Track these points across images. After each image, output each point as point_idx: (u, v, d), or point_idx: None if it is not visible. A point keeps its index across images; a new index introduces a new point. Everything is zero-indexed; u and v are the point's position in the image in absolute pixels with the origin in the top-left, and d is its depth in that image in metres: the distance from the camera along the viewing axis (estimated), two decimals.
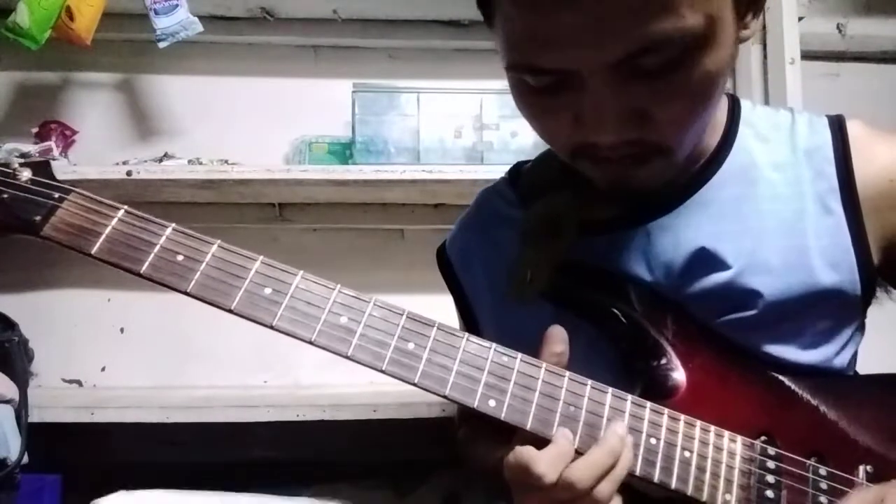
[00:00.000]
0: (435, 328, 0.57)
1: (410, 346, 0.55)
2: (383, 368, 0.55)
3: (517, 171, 0.78)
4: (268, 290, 0.56)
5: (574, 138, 0.57)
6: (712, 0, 0.49)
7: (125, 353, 1.50)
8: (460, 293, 0.77)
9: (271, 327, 0.55)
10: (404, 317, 0.56)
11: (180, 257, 0.56)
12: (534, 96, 0.56)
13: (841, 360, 0.65)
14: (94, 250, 0.55)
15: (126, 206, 0.57)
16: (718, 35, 0.50)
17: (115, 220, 0.56)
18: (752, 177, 0.65)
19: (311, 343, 0.55)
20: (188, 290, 0.55)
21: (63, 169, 1.33)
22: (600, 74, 0.50)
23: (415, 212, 1.55)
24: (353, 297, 0.57)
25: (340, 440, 1.38)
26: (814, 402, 0.61)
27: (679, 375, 0.60)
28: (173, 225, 0.57)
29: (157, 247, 0.56)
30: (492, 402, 0.55)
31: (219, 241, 0.57)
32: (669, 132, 0.55)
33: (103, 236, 0.56)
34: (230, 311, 0.55)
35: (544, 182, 0.71)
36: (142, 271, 0.55)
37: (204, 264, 0.56)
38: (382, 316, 0.56)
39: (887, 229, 0.64)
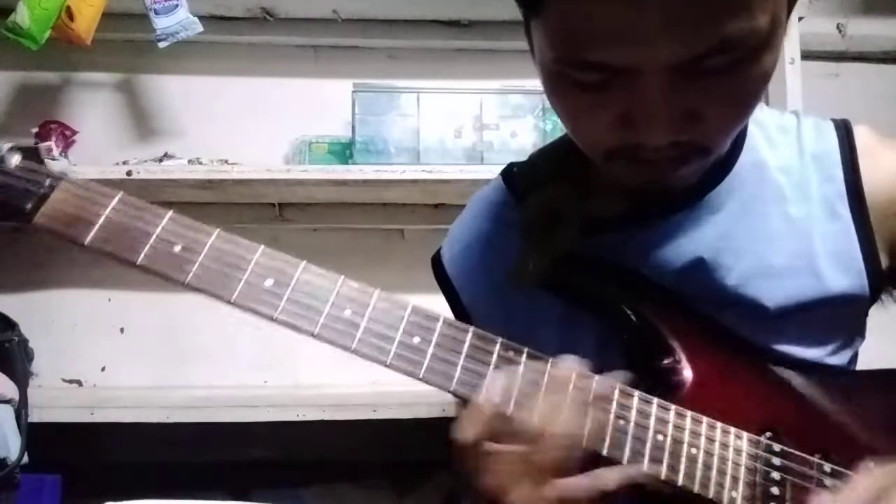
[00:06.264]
0: (440, 321, 0.55)
1: (415, 339, 0.54)
2: (388, 363, 0.54)
3: (510, 172, 0.76)
4: (269, 282, 0.54)
5: (616, 138, 0.54)
6: (777, 0, 0.48)
7: (125, 353, 1.50)
8: (458, 303, 0.75)
9: (272, 320, 0.53)
10: (409, 310, 0.55)
11: (178, 247, 0.53)
12: (577, 93, 0.52)
13: (841, 361, 0.65)
14: (88, 240, 0.52)
15: (122, 192, 0.54)
16: (778, 35, 0.50)
17: (110, 208, 0.54)
18: (761, 178, 0.65)
19: (313, 336, 0.53)
20: (186, 282, 0.53)
21: (63, 169, 1.33)
22: (661, 73, 0.48)
23: (415, 212, 1.55)
24: (356, 289, 0.55)
25: (340, 440, 1.38)
26: (819, 397, 0.61)
27: (686, 371, 0.60)
28: (171, 212, 0.55)
29: (154, 237, 0.53)
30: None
31: (218, 230, 0.55)
32: (717, 133, 0.54)
33: (97, 225, 0.53)
34: (230, 302, 0.53)
35: (541, 179, 0.70)
36: (138, 262, 0.52)
37: (202, 255, 0.53)
38: (387, 309, 0.55)
39: (895, 234, 0.64)
